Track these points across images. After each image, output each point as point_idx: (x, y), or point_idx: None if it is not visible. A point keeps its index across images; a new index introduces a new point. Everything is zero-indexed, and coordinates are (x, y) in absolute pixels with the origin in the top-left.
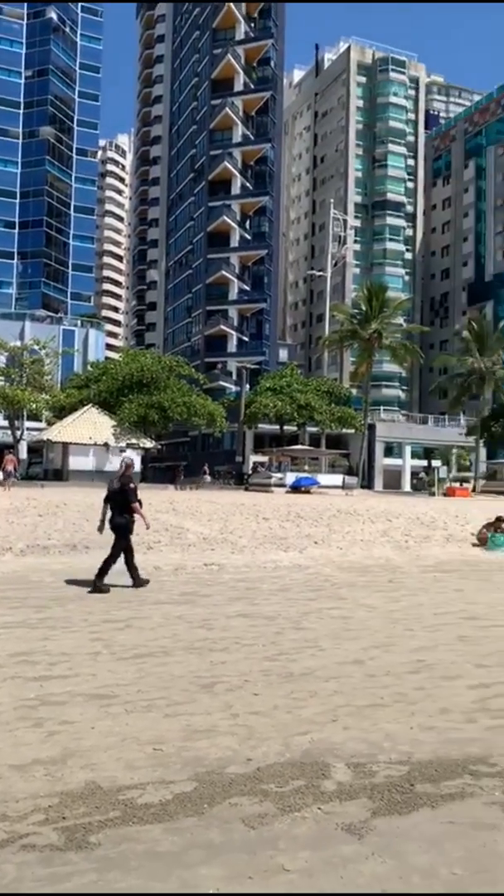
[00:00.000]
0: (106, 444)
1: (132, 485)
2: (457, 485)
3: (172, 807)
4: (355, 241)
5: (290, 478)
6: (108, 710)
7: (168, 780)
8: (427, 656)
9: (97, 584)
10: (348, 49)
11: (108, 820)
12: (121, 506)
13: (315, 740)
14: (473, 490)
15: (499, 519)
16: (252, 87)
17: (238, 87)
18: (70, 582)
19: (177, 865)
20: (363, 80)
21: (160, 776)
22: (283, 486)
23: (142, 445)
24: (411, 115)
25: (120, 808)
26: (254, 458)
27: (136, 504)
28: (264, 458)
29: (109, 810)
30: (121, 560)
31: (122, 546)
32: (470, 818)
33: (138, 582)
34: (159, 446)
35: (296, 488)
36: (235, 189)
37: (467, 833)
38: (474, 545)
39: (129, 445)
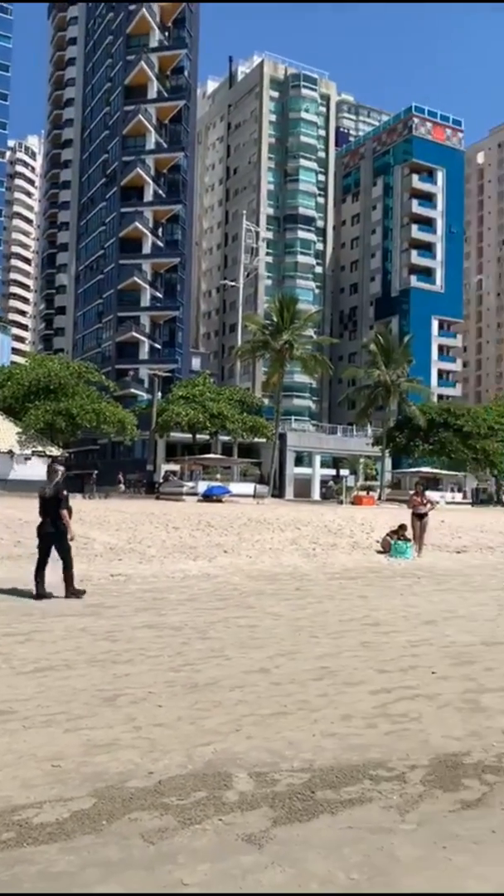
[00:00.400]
0: (10, 452)
1: (65, 492)
2: (363, 493)
3: (69, 825)
4: (267, 253)
5: (202, 486)
6: (4, 727)
7: (66, 798)
8: (331, 663)
9: (73, 591)
10: (261, 63)
11: (1, 842)
12: (54, 514)
13: (218, 751)
14: (379, 498)
15: (401, 527)
16: (166, 95)
17: (152, 94)
18: None
19: (72, 886)
20: (276, 94)
21: (58, 793)
22: (194, 494)
23: (48, 453)
24: (322, 132)
25: (14, 830)
26: (165, 467)
27: (66, 511)
28: (176, 467)
29: (2, 832)
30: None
31: (68, 548)
32: (368, 823)
33: (40, 592)
34: (67, 454)
35: (207, 497)
36: (148, 196)
37: (365, 838)
38: (378, 552)
39: (34, 453)
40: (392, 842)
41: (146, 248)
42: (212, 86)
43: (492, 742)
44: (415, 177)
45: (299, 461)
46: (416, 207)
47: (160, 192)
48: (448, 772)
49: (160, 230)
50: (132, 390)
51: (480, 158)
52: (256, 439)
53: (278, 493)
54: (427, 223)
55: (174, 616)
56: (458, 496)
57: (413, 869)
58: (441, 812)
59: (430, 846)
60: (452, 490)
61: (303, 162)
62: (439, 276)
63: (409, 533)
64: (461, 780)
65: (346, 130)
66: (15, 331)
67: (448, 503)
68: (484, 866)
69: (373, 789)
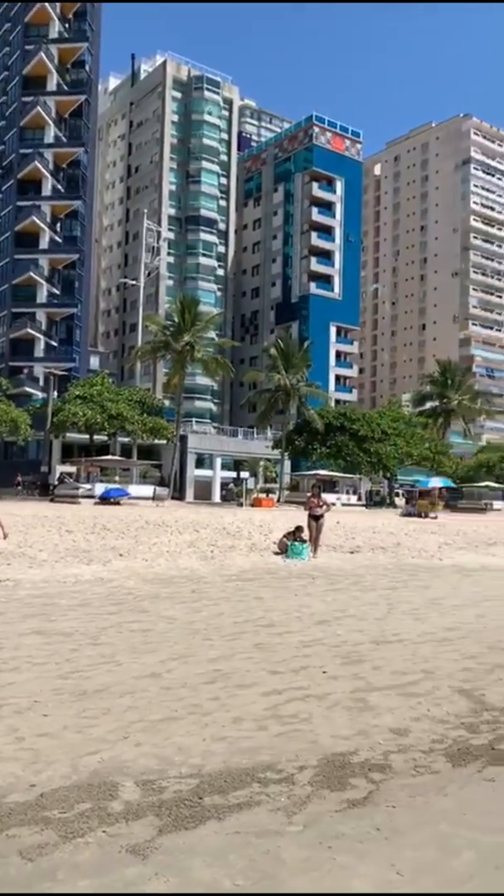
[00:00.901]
0: None
1: None
2: (263, 495)
3: None
4: (169, 254)
5: (99, 489)
6: None
7: None
8: (224, 665)
9: None
10: (164, 63)
11: None
12: None
13: (105, 759)
14: (278, 500)
15: (298, 528)
16: (66, 88)
17: (51, 86)
18: None
19: None
20: (178, 95)
21: None
22: (91, 497)
23: None
24: (224, 135)
25: None
26: (61, 468)
27: None
28: (72, 469)
29: None
30: None
31: None
32: (256, 827)
33: None
34: None
35: (105, 499)
36: (46, 190)
37: (252, 842)
38: (275, 553)
39: None
40: (278, 844)
41: (43, 244)
42: (114, 82)
43: (378, 740)
44: (315, 185)
45: (200, 463)
46: (315, 215)
47: (59, 186)
48: (336, 771)
49: (58, 225)
50: (26, 389)
51: (377, 170)
52: (157, 441)
53: (178, 495)
54: (326, 231)
55: (64, 622)
56: (353, 498)
57: (298, 871)
58: (328, 812)
59: (315, 847)
60: (348, 492)
61: (205, 164)
62: (337, 283)
63: (305, 534)
64: (348, 780)
65: (248, 135)
66: None
67: (343, 505)
68: (367, 865)
69: (261, 792)
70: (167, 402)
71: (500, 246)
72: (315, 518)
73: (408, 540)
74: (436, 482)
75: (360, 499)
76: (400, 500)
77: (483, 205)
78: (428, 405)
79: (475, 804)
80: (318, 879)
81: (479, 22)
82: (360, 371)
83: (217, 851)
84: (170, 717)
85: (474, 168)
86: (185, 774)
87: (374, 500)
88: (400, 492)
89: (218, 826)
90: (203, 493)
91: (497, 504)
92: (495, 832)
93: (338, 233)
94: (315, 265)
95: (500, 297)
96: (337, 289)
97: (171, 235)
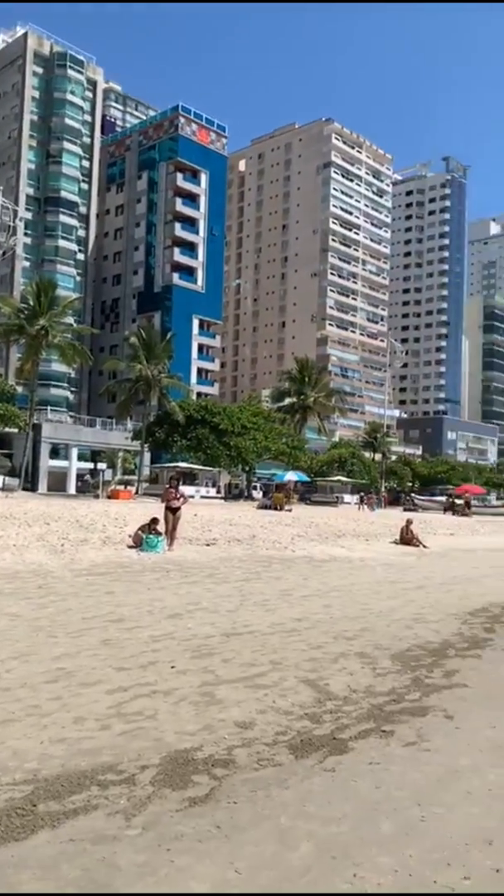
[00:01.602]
0: None
1: None
2: (121, 488)
3: None
4: (26, 234)
5: None
6: None
7: None
8: (68, 664)
9: None
10: (25, 35)
11: None
12: None
13: None
14: (136, 493)
15: (153, 520)
16: None
17: None
18: None
19: None
20: (40, 70)
21: None
22: None
23: None
24: (87, 117)
25: None
26: None
27: None
28: None
29: None
30: None
31: None
32: (92, 833)
33: None
34: None
35: None
36: None
37: (87, 850)
38: (130, 546)
39: None
40: (115, 850)
41: None
42: None
43: (223, 735)
44: (179, 175)
45: (55, 453)
46: (179, 205)
47: None
48: (178, 769)
49: None
50: None
51: (242, 166)
52: (7, 429)
53: (31, 486)
54: (190, 222)
55: None
56: (213, 491)
57: (133, 876)
58: (168, 812)
59: (154, 850)
60: (207, 485)
61: (67, 145)
62: (200, 276)
63: (161, 527)
64: (191, 777)
65: (112, 119)
66: None
67: (202, 497)
68: (205, 865)
69: (100, 795)
70: (20, 389)
71: (356, 249)
72: (172, 510)
73: (263, 532)
74: (291, 476)
75: (219, 491)
76: (257, 493)
77: (342, 209)
78: (286, 401)
79: (315, 795)
80: (155, 885)
81: (346, 30)
82: (222, 365)
83: (49, 862)
84: (5, 719)
85: (334, 172)
86: (20, 781)
87: (233, 493)
88: (258, 485)
89: (51, 835)
90: (58, 485)
91: (347, 497)
92: (333, 822)
93: (202, 225)
94: (178, 256)
95: (355, 299)
96: (200, 281)
97: (29, 216)
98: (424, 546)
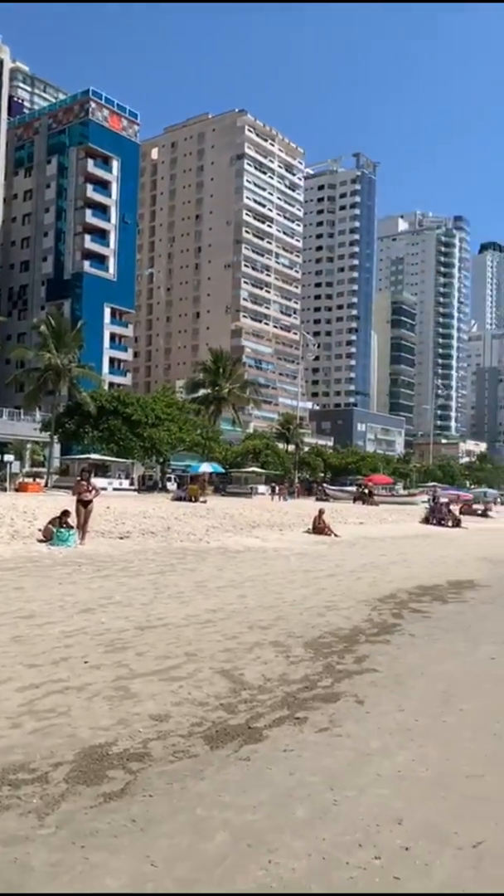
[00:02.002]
0: None
1: None
2: (29, 480)
3: None
4: None
5: None
6: None
7: None
8: None
9: None
10: None
11: None
12: None
13: None
14: (46, 485)
15: (64, 513)
16: None
17: None
18: None
19: None
20: None
21: None
22: None
23: None
24: None
25: None
26: None
27: None
28: None
29: None
30: None
31: None
32: (3, 834)
33: None
34: None
35: None
36: None
37: None
38: (40, 541)
39: None
40: (27, 851)
41: None
42: None
43: (138, 728)
44: (90, 161)
45: None
46: (90, 192)
47: None
48: (93, 765)
49: None
50: None
51: (155, 154)
52: None
53: None
54: (102, 209)
55: None
56: (126, 483)
57: (47, 876)
58: (82, 809)
59: (68, 848)
60: (120, 477)
61: None
62: (112, 264)
63: (72, 520)
64: (105, 773)
65: (20, 101)
66: None
67: (115, 489)
68: (120, 860)
69: (12, 795)
70: None
71: (269, 242)
72: (84, 503)
73: (178, 524)
74: (206, 467)
75: (132, 483)
76: (172, 485)
77: (255, 201)
78: (201, 392)
79: (230, 785)
80: (69, 883)
81: (261, 23)
82: (136, 355)
83: None
84: None
85: (248, 164)
86: None
87: (147, 485)
88: (172, 476)
89: None
90: None
91: (262, 488)
92: (248, 810)
93: (114, 212)
94: (89, 243)
95: (269, 291)
96: (112, 269)
97: None
98: (336, 535)
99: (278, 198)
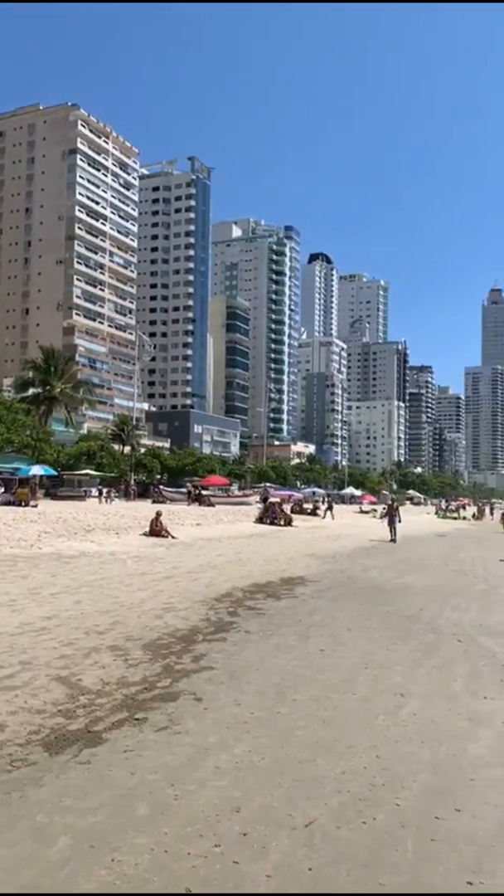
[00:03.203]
0: None
1: None
2: None
3: None
4: None
5: None
6: None
7: None
8: None
9: None
10: None
11: None
12: None
13: None
14: None
15: None
16: None
17: None
18: None
19: None
20: None
21: None
22: None
23: None
24: None
25: None
26: None
27: None
28: None
29: None
30: None
31: None
32: None
33: None
34: None
35: None
36: None
37: None
38: None
39: None
40: None
41: None
42: None
43: None
44: None
45: None
46: None
47: None
48: None
49: None
50: None
51: None
52: None
53: None
54: None
55: None
56: None
57: None
58: None
59: None
60: None
61: None
62: None
63: None
64: None
65: None
66: None
67: None
68: None
69: None
70: None
71: (103, 240)
72: None
73: (6, 530)
74: (37, 470)
75: None
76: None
77: (88, 197)
78: (30, 391)
79: (71, 789)
80: None
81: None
82: None
83: None
84: None
85: (80, 159)
86: None
87: None
88: None
89: None
90: None
91: (94, 491)
92: (90, 813)
93: None
94: None
95: (103, 290)
96: None
97: None
98: (173, 537)
99: (112, 196)
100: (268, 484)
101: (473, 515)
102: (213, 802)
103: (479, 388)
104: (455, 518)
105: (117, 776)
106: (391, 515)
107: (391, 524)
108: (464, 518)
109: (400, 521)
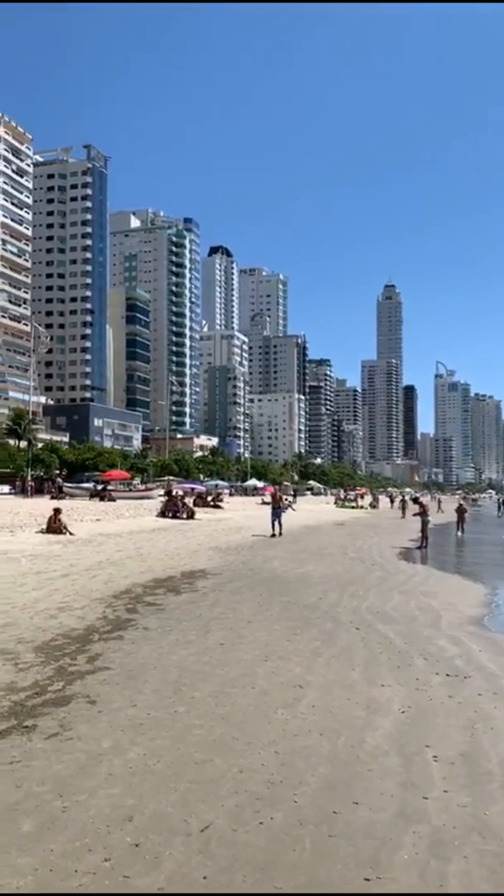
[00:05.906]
0: None
1: None
2: None
3: None
4: None
5: None
6: None
7: None
8: None
9: None
10: None
11: None
12: None
13: None
14: None
15: None
16: None
17: None
18: None
19: None
20: None
21: None
22: None
23: None
24: None
25: None
26: None
27: None
28: None
29: None
30: None
31: None
32: None
33: None
34: None
35: None
36: None
37: None
38: None
39: None
40: None
41: None
42: None
43: None
44: None
45: None
46: None
47: None
48: None
49: None
50: None
51: None
52: None
53: None
54: None
55: None
56: None
57: None
58: None
59: None
60: None
61: None
62: None
63: None
64: None
65: None
66: None
67: None
68: None
69: None
70: None
71: None
72: None
73: None
74: None
75: None
76: None
77: None
78: None
79: None
80: None
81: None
82: None
83: None
84: None
85: None
86: None
87: None
88: None
89: None
90: None
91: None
92: None
93: None
94: None
95: None
96: None
97: None
98: (71, 534)
99: (4, 182)
100: (170, 477)
101: (371, 504)
102: (104, 812)
103: (375, 381)
104: (353, 507)
105: (1, 790)
106: (274, 507)
107: (275, 517)
108: (361, 507)
109: (285, 511)
